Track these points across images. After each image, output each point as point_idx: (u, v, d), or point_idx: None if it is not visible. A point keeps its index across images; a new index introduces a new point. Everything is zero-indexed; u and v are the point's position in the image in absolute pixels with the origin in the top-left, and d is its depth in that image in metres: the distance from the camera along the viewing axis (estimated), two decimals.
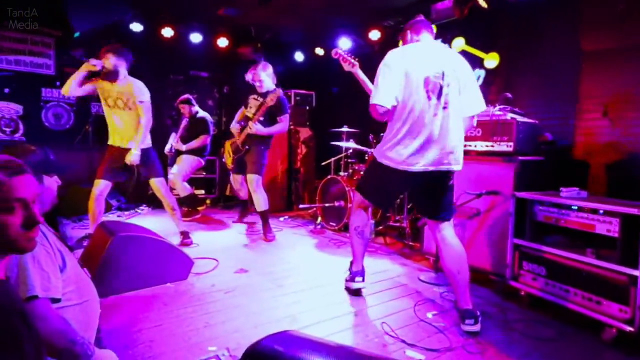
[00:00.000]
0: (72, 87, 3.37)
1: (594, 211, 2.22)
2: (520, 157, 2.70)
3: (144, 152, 3.47)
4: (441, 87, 2.17)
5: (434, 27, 4.65)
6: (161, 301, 2.45)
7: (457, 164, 2.27)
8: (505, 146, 2.76)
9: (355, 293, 2.66)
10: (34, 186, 1.29)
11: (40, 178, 1.61)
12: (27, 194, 1.09)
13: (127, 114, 3.46)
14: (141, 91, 3.41)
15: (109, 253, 2.45)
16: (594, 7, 3.56)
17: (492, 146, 2.85)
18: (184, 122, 4.87)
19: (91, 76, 3.44)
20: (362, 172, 4.66)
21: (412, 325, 2.27)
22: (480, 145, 2.94)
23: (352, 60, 2.66)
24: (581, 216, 2.29)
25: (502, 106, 2.90)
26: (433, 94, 2.16)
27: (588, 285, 2.24)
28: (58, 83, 5.19)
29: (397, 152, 2.21)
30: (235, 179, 4.45)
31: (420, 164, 2.19)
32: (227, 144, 4.35)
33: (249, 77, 4.16)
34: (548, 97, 3.94)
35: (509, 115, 2.78)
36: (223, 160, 4.51)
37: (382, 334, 2.15)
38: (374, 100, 2.19)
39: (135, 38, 5.44)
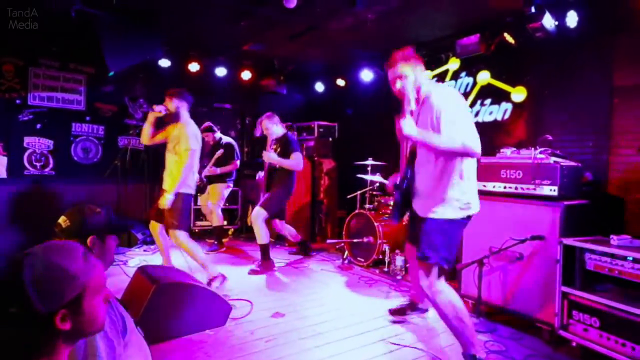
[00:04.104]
0: (147, 138, 3.61)
1: None
2: (565, 202, 2.65)
3: (182, 196, 3.45)
4: None
5: (457, 61, 4.79)
6: (203, 352, 2.40)
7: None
8: (549, 190, 2.72)
9: None
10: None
11: (102, 238, 1.61)
12: (105, 274, 1.10)
13: (172, 157, 3.53)
14: (190, 139, 3.44)
15: (151, 302, 2.43)
16: (627, 42, 3.55)
17: (534, 189, 2.80)
18: (218, 153, 4.98)
19: (162, 125, 3.66)
20: (389, 206, 4.61)
21: None
22: (520, 188, 2.89)
23: None
24: (638, 268, 2.22)
25: (543, 149, 2.87)
26: None
27: None
28: (88, 118, 5.29)
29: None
30: (274, 224, 4.57)
31: None
32: None
33: (258, 132, 4.41)
34: (579, 132, 3.90)
35: (552, 159, 2.74)
36: None
37: None
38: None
39: (162, 73, 5.57)
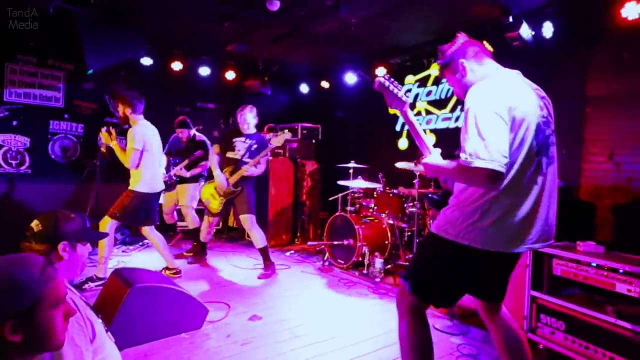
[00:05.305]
0: (126, 162, 3.65)
1: (614, 270, 2.24)
2: None
3: (135, 193, 3.61)
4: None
5: (437, 67, 4.85)
6: (179, 356, 2.40)
7: None
8: None
9: None
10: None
11: (74, 245, 1.60)
12: (65, 288, 1.11)
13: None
14: (133, 139, 3.54)
15: (126, 305, 2.42)
16: (600, 54, 3.67)
17: None
18: (196, 154, 4.71)
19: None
20: (371, 210, 4.66)
21: None
22: None
23: (403, 97, 1.80)
24: (601, 274, 2.31)
25: None
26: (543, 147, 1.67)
27: (609, 343, 2.24)
28: (67, 116, 5.20)
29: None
30: (210, 222, 4.37)
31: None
32: (209, 187, 4.23)
33: (238, 117, 4.24)
34: None
35: None
36: (206, 203, 4.27)
37: None
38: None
39: (144, 71, 5.51)
